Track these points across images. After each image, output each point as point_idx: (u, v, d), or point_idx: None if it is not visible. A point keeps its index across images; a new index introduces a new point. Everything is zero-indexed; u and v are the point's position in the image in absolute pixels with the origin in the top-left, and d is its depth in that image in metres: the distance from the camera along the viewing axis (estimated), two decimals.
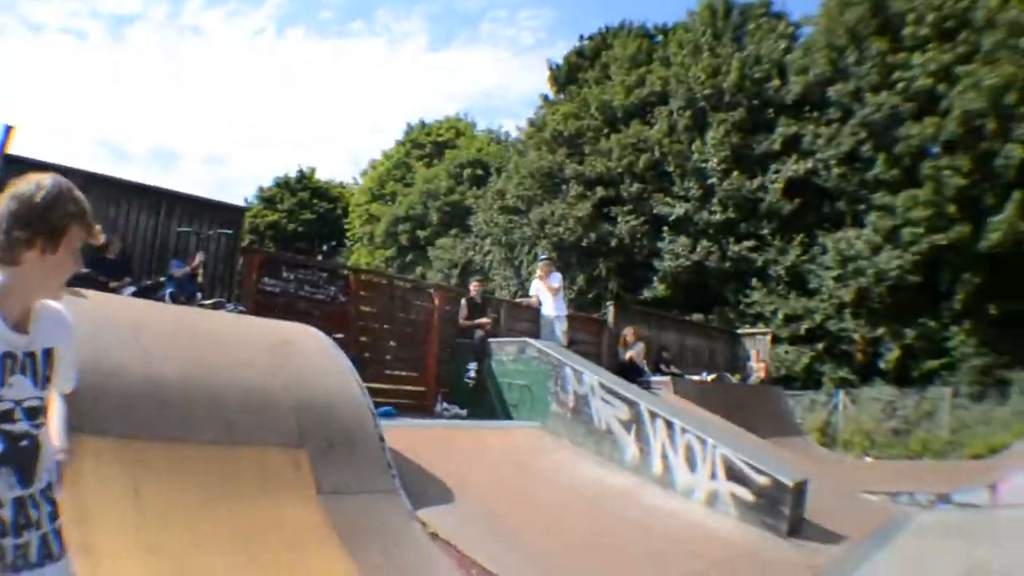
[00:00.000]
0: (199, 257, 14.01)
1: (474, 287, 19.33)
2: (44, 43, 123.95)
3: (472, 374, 17.28)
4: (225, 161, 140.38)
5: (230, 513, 7.50)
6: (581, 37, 57.92)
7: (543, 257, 23.40)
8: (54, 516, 3.26)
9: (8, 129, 12.94)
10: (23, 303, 3.19)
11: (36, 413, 3.20)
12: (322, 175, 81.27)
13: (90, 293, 9.34)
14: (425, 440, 12.40)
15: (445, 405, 17.42)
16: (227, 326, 10.89)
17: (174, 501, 7.17)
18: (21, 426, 3.13)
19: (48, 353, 3.28)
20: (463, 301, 18.69)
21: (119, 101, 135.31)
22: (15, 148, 13.15)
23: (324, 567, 7.61)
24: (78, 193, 3.23)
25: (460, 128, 74.31)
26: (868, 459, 30.11)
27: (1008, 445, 25.55)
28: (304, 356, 10.55)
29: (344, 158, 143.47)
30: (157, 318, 9.72)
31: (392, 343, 17.98)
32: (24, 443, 3.13)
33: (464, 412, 17.03)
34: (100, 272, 12.72)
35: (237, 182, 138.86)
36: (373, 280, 20.16)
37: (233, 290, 15.14)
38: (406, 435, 11.78)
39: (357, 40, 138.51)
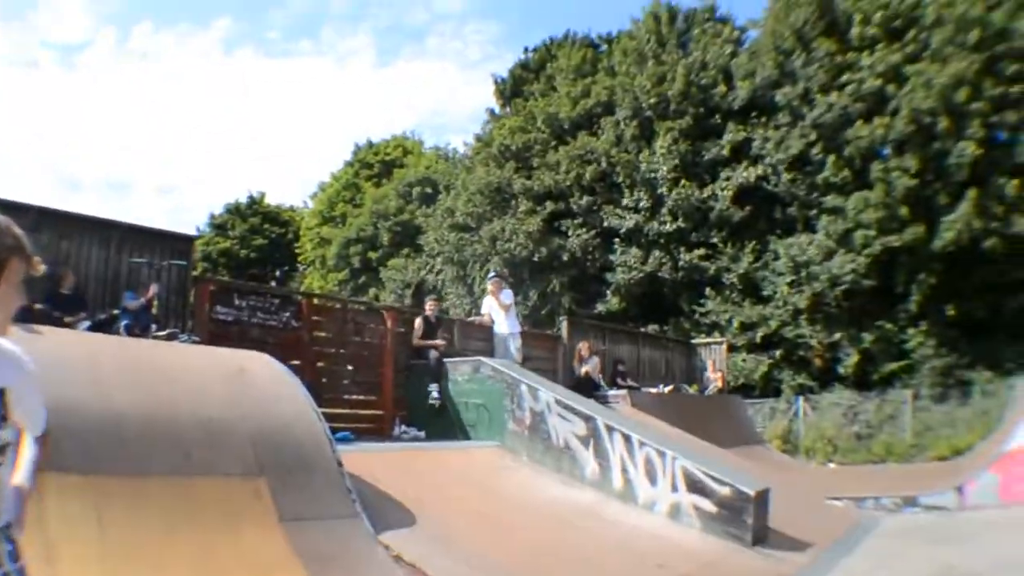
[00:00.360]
0: (153, 288, 14.06)
1: (430, 306, 19.31)
2: None
3: (436, 395, 17.24)
4: (178, 189, 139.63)
5: (193, 544, 7.60)
6: (526, 50, 58.38)
7: (493, 275, 23.25)
8: (15, 556, 3.19)
9: None
10: None
11: None
12: (272, 199, 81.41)
13: (46, 329, 9.45)
14: (384, 464, 12.46)
15: (403, 428, 17.41)
16: (182, 357, 10.96)
17: (138, 534, 7.28)
18: None
19: (1, 394, 3.19)
20: (418, 320, 18.67)
21: (71, 131, 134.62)
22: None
23: None
24: (16, 228, 3.16)
25: (407, 147, 74.28)
26: (832, 465, 30.35)
27: (972, 446, 25.77)
28: (259, 384, 10.66)
29: (294, 181, 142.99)
30: (113, 352, 9.85)
31: (348, 367, 17.95)
32: None
33: (422, 434, 17.05)
34: (55, 307, 12.82)
35: (192, 209, 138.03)
36: (326, 304, 20.24)
37: (187, 320, 15.16)
38: (365, 459, 11.89)
39: (305, 60, 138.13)
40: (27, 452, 3.53)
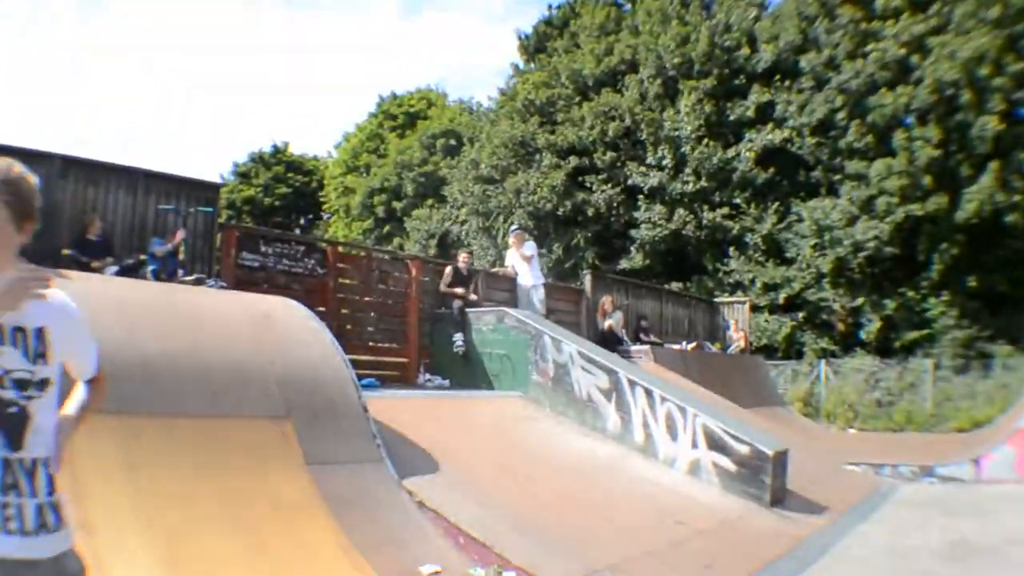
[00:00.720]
0: (180, 234, 14.17)
1: (463, 258, 19.50)
2: None
3: (460, 342, 17.46)
4: (199, 138, 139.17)
5: (221, 483, 7.75)
6: (549, 7, 57.67)
7: (515, 227, 23.51)
8: (51, 489, 3.34)
9: None
10: None
11: (26, 385, 3.28)
12: (296, 149, 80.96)
13: (74, 274, 9.55)
14: (409, 410, 12.58)
15: (428, 376, 17.55)
16: (209, 301, 11.09)
17: (167, 474, 7.39)
18: (8, 394, 3.25)
19: (40, 332, 3.35)
20: (448, 268, 18.88)
21: (88, 86, 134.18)
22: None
23: (314, 536, 7.81)
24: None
25: (431, 99, 73.99)
26: (852, 431, 30.41)
27: (992, 419, 25.78)
28: (286, 328, 10.77)
29: (318, 132, 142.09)
30: (141, 296, 9.93)
31: (372, 315, 18.02)
32: (12, 410, 3.25)
33: (447, 382, 17.19)
34: (83, 253, 13.00)
35: (214, 158, 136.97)
36: (351, 252, 20.25)
37: (213, 266, 15.23)
38: (390, 406, 12.00)
39: (327, 11, 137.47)
40: (77, 393, 3.75)
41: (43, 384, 3.33)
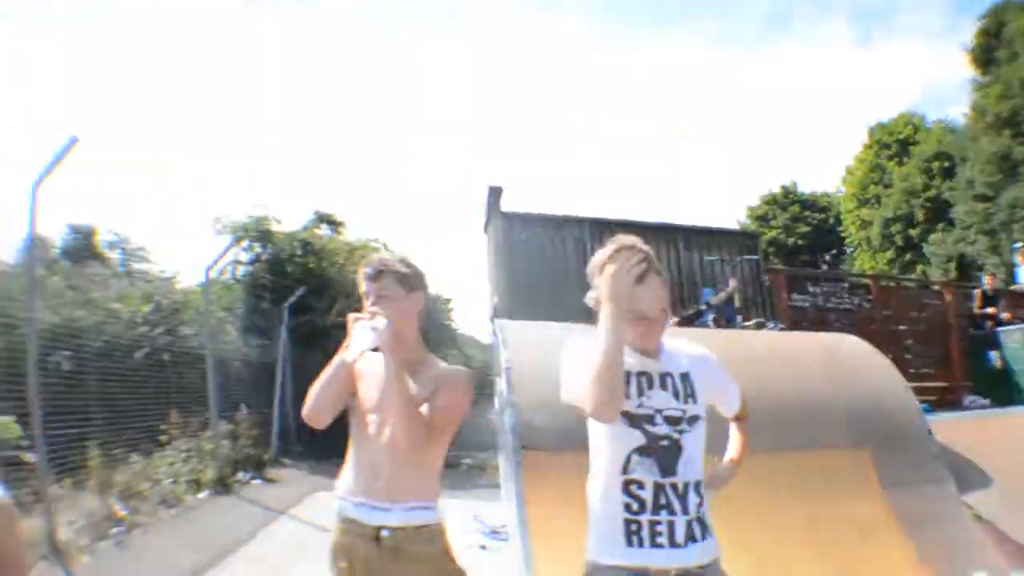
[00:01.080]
0: (733, 283, 14.68)
1: (988, 280, 19.23)
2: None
3: (996, 359, 17.10)
4: (694, 185, 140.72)
5: (803, 510, 8.27)
6: (977, 18, 54.55)
7: (1016, 245, 23.43)
8: (701, 506, 3.82)
9: (496, 191, 13.97)
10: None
11: (677, 421, 3.80)
12: (803, 187, 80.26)
13: None
14: (957, 430, 12.47)
15: (972, 397, 17.34)
16: (778, 342, 11.84)
17: (752, 501, 7.65)
18: (661, 429, 3.76)
19: (685, 376, 3.95)
20: (977, 291, 18.63)
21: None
22: (505, 206, 14.35)
23: (886, 548, 8.30)
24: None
25: (916, 123, 71.64)
26: None
27: None
28: (852, 362, 11.15)
29: (812, 169, 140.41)
30: (711, 341, 10.46)
31: (910, 342, 18.00)
32: (664, 443, 3.75)
33: (987, 402, 16.92)
34: None
35: (716, 205, 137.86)
36: (889, 285, 20.33)
37: (765, 310, 15.70)
38: (942, 427, 11.91)
39: (783, 51, 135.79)
40: (733, 432, 4.61)
41: (693, 420, 3.90)
